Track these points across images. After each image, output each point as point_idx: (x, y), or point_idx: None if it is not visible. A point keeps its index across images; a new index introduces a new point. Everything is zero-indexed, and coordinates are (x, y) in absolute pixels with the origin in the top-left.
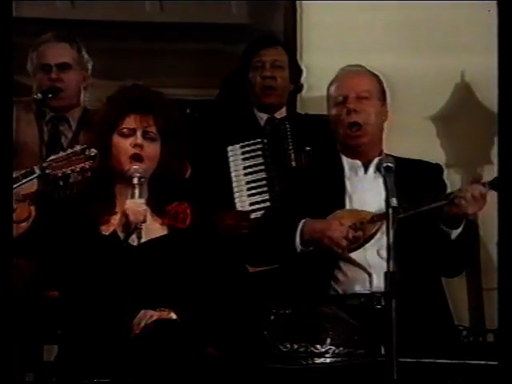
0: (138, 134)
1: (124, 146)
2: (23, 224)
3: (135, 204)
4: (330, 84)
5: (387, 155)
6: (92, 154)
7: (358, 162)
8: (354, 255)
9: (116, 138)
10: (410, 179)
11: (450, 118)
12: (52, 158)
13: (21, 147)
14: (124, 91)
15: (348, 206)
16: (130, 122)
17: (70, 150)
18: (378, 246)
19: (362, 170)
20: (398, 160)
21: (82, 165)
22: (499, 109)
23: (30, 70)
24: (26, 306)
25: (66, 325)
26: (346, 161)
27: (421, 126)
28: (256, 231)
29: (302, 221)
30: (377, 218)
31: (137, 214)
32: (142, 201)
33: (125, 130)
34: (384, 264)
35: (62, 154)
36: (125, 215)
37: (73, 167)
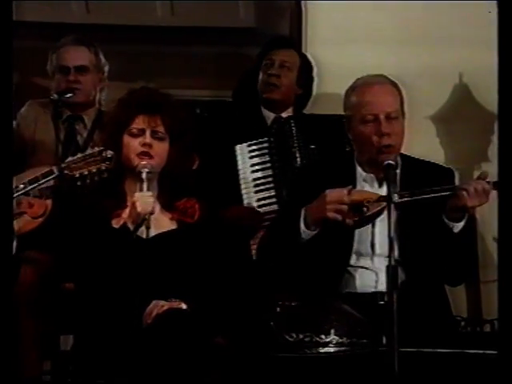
0: (147, 133)
1: (134, 144)
2: (40, 219)
3: (143, 196)
4: (351, 92)
5: (401, 154)
6: (109, 156)
7: (373, 176)
8: (361, 261)
9: (126, 138)
10: (421, 181)
11: (449, 116)
12: (70, 159)
13: (39, 146)
14: (133, 93)
15: None
16: (139, 123)
17: (87, 152)
18: (385, 255)
19: (376, 184)
20: (411, 160)
21: (98, 166)
22: (499, 108)
23: (49, 72)
24: (43, 298)
25: (81, 315)
26: (359, 172)
27: (420, 123)
28: (265, 237)
29: (304, 208)
30: (383, 198)
31: (145, 204)
32: (150, 193)
33: (134, 130)
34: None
35: (79, 155)
36: (133, 206)
37: (90, 168)
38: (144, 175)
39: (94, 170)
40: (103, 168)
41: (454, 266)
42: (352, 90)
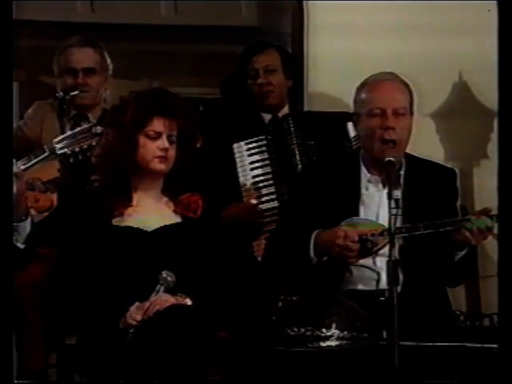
0: (164, 137)
1: (152, 147)
2: (46, 214)
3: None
4: (361, 88)
5: (405, 154)
6: (98, 132)
7: (377, 177)
8: (363, 260)
9: (143, 139)
10: (424, 182)
11: (447, 113)
12: (60, 137)
13: (45, 143)
14: (151, 93)
15: (362, 215)
16: (157, 126)
17: (77, 129)
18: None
19: (380, 185)
20: (415, 160)
21: (89, 142)
22: (499, 104)
23: (55, 71)
24: (50, 293)
25: (83, 310)
26: (364, 173)
27: (418, 119)
28: (270, 245)
29: (315, 232)
30: (387, 233)
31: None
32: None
33: (152, 133)
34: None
35: (69, 132)
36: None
37: (81, 144)
38: (162, 289)
39: (85, 147)
40: (94, 143)
41: (454, 281)
42: (362, 86)
